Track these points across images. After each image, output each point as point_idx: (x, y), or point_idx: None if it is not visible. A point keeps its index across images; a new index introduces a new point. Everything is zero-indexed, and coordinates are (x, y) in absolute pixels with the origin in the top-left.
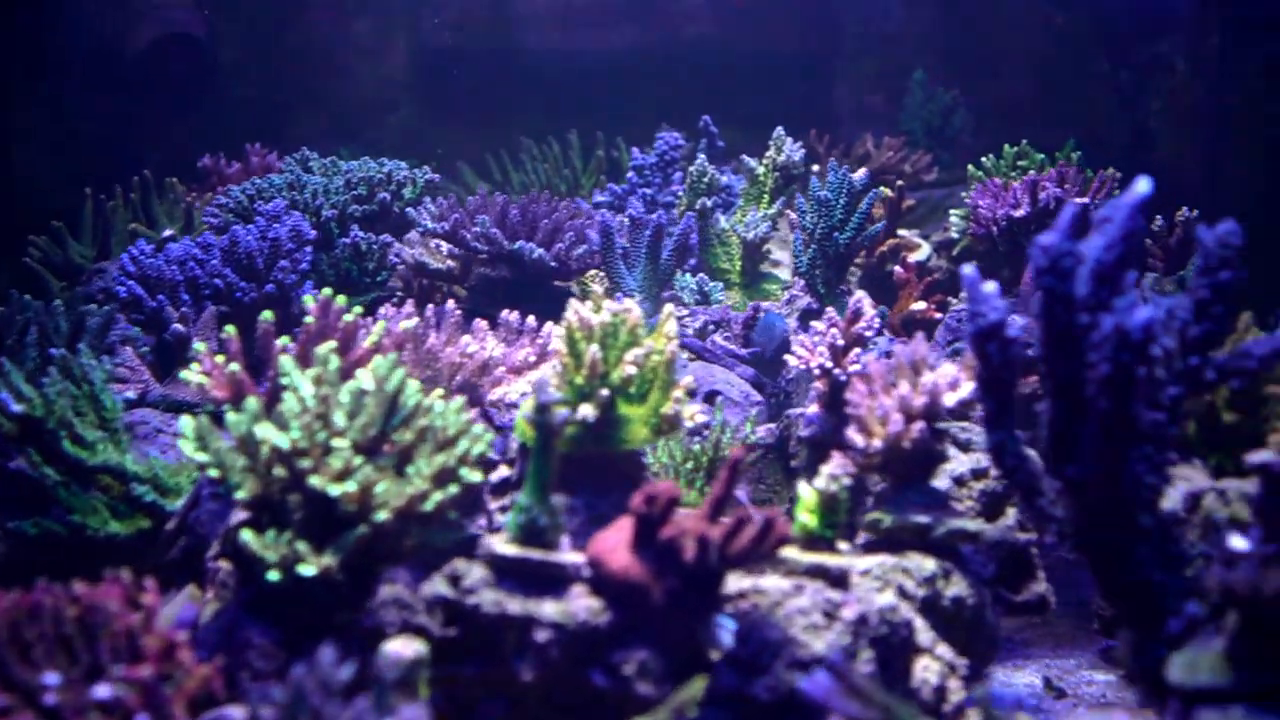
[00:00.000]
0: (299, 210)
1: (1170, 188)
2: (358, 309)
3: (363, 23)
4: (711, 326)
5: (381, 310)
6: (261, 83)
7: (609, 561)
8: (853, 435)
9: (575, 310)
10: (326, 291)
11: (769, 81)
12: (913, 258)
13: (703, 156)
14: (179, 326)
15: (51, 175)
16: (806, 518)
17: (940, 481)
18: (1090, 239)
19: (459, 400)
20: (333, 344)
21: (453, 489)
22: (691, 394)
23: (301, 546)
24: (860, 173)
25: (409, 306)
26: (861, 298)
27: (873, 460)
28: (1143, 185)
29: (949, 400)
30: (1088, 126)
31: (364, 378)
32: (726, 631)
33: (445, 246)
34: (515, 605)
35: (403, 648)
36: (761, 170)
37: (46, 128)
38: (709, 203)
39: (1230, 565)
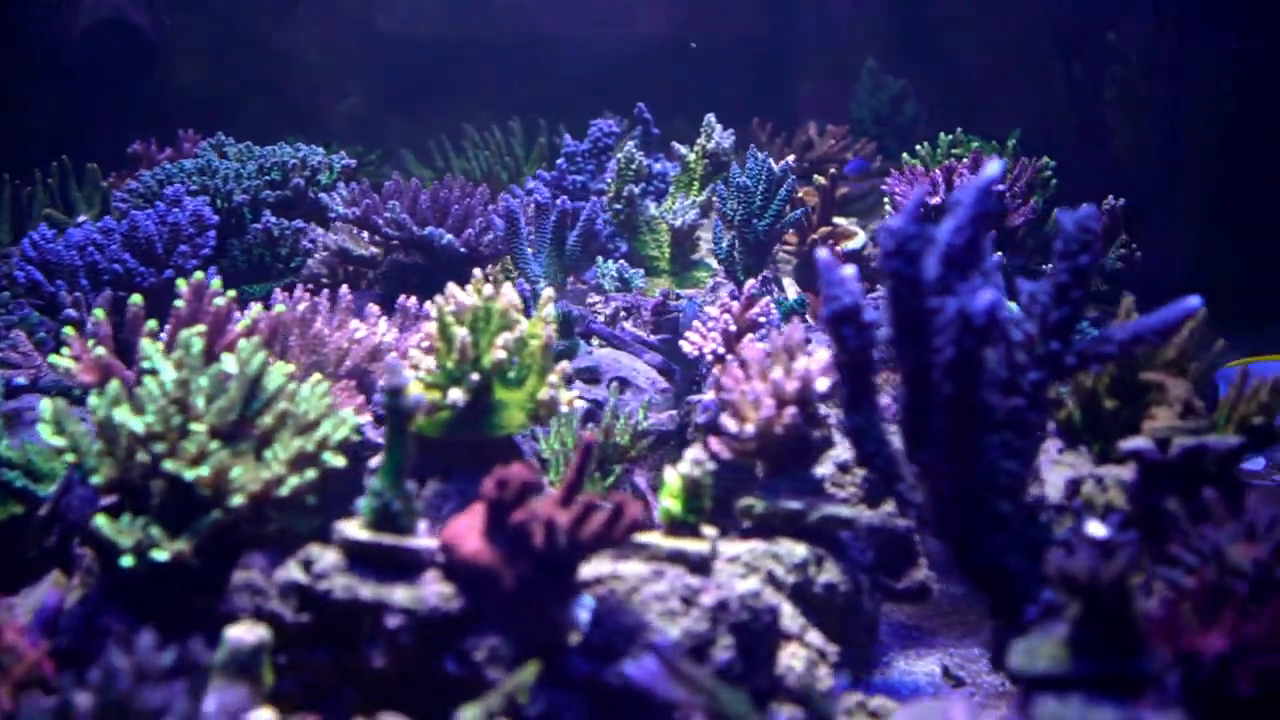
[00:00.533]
0: (209, 196)
1: (1125, 180)
2: (231, 294)
3: (313, 8)
4: (623, 313)
5: (276, 294)
6: (211, 70)
7: (460, 546)
8: (726, 421)
9: (451, 293)
10: (198, 276)
11: (724, 70)
12: (848, 246)
13: (631, 143)
14: (71, 311)
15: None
16: (670, 503)
17: (824, 468)
18: (942, 222)
19: (324, 385)
20: (201, 328)
21: (310, 474)
22: (570, 379)
23: (155, 531)
24: (994, 169)
25: (299, 291)
26: (755, 284)
27: (747, 446)
28: (992, 168)
29: (821, 385)
30: (1041, 117)
31: (228, 362)
32: (584, 617)
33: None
34: (367, 591)
35: (245, 633)
36: (692, 157)
37: None
38: (636, 189)
39: (1072, 553)
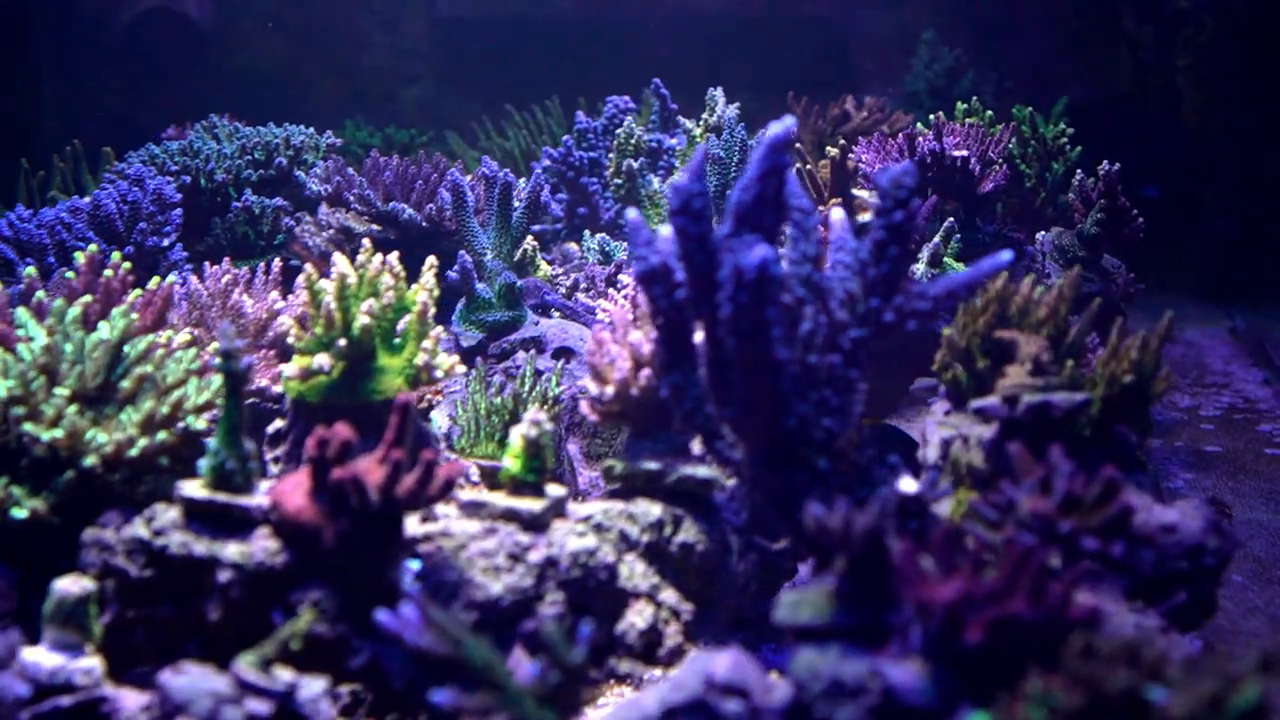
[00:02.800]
0: (191, 175)
1: (1196, 148)
2: (126, 265)
3: None
4: (583, 284)
5: (208, 269)
6: (278, 55)
7: (285, 504)
8: (589, 383)
9: (337, 263)
10: (93, 248)
11: (784, 43)
12: (863, 218)
13: (630, 119)
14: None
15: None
16: (511, 463)
17: None
18: (739, 183)
19: (190, 351)
20: (87, 299)
21: (162, 436)
22: (448, 350)
23: (16, 491)
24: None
25: (226, 264)
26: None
27: (610, 408)
28: (775, 127)
29: None
30: (1110, 85)
31: (103, 329)
32: (409, 573)
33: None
34: (201, 547)
35: (70, 585)
36: (698, 132)
37: (51, 99)
38: (634, 164)
39: (829, 506)
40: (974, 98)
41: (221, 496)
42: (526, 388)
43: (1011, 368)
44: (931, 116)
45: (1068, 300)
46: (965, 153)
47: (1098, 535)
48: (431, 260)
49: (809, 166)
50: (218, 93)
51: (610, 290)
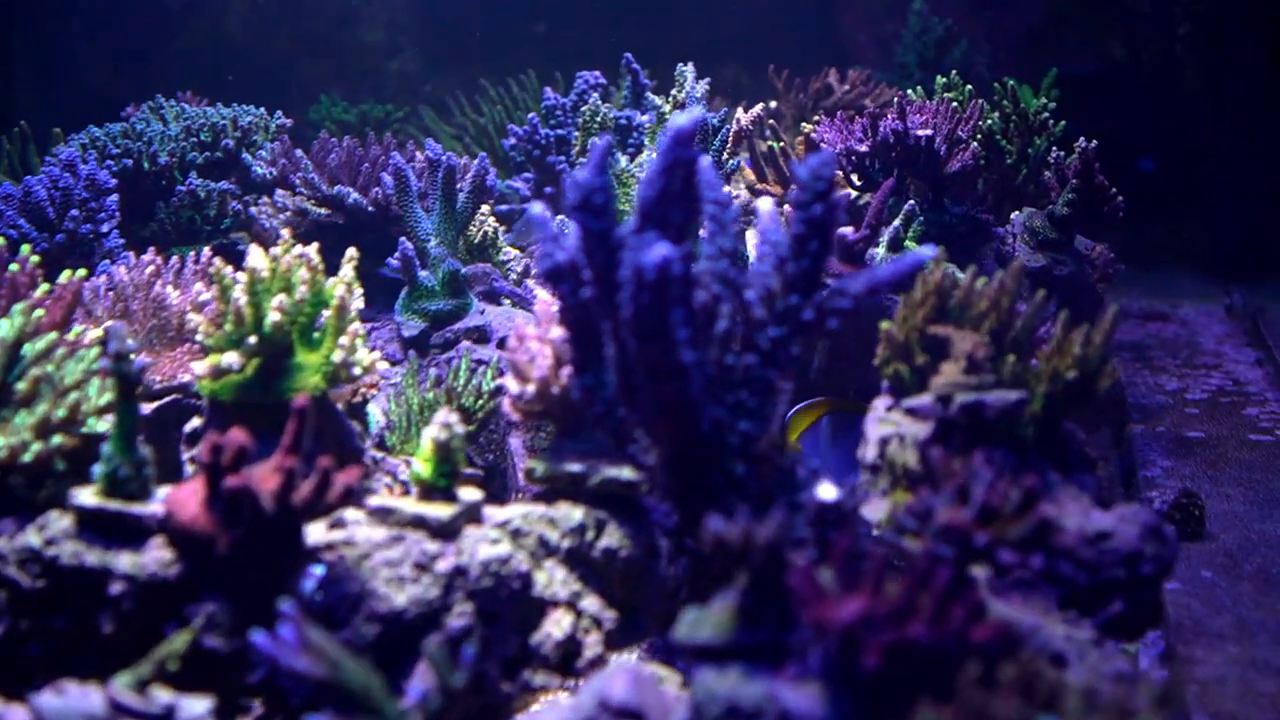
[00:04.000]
0: (132, 159)
1: (1195, 120)
2: (34, 259)
3: None
4: (534, 269)
5: (132, 259)
6: (256, 30)
7: (179, 513)
8: (509, 382)
9: (250, 256)
10: (25, 249)
11: (771, 12)
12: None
13: (595, 96)
14: None
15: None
16: (421, 467)
17: None
18: (642, 178)
19: (93, 351)
20: None
21: (59, 439)
22: (368, 343)
23: None
24: (742, 113)
25: (149, 255)
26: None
27: (532, 407)
28: (680, 118)
29: None
30: (1108, 56)
31: (1, 327)
32: (311, 583)
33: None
34: (93, 557)
35: None
36: (667, 109)
37: (28, 75)
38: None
39: (731, 518)
40: (953, 71)
41: (114, 505)
42: (461, 381)
43: (946, 365)
44: (910, 92)
45: (1010, 292)
46: (929, 131)
47: (1016, 548)
48: (351, 252)
49: (782, 144)
50: (195, 69)
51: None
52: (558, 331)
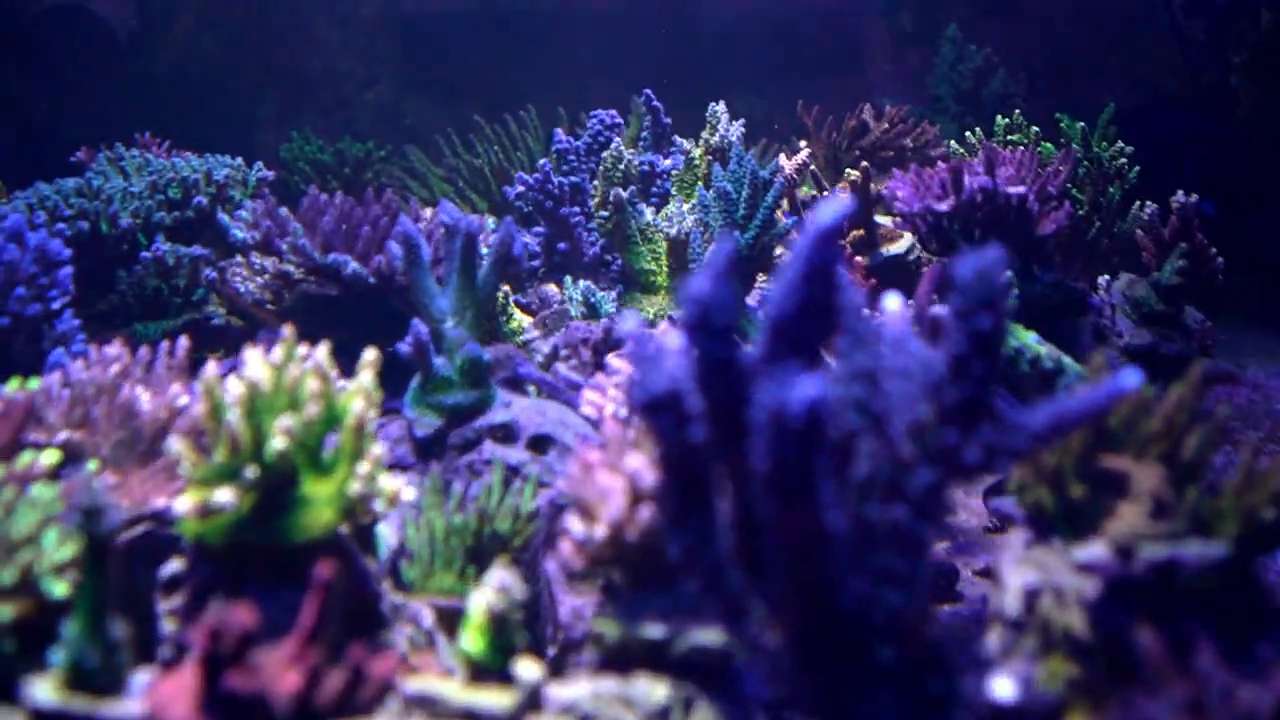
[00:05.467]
0: (89, 221)
1: (1251, 156)
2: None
3: None
4: (564, 351)
5: (93, 353)
6: (213, 58)
7: (165, 717)
8: (571, 522)
9: (247, 364)
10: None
11: (787, 39)
12: (891, 250)
13: (618, 140)
14: None
15: None
16: (470, 642)
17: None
18: (774, 282)
19: (50, 491)
20: None
21: (7, 611)
22: (394, 467)
23: None
24: (784, 160)
25: (115, 347)
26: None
27: (600, 554)
28: (825, 211)
29: None
30: (1154, 87)
31: None
32: None
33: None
34: None
35: None
36: (697, 154)
37: None
38: (624, 193)
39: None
40: (1017, 111)
41: (79, 705)
42: (494, 501)
43: (1125, 506)
44: (969, 134)
45: (1188, 408)
46: (1022, 189)
47: None
48: (369, 356)
49: (825, 191)
50: (146, 103)
51: (598, 375)
52: (635, 461)
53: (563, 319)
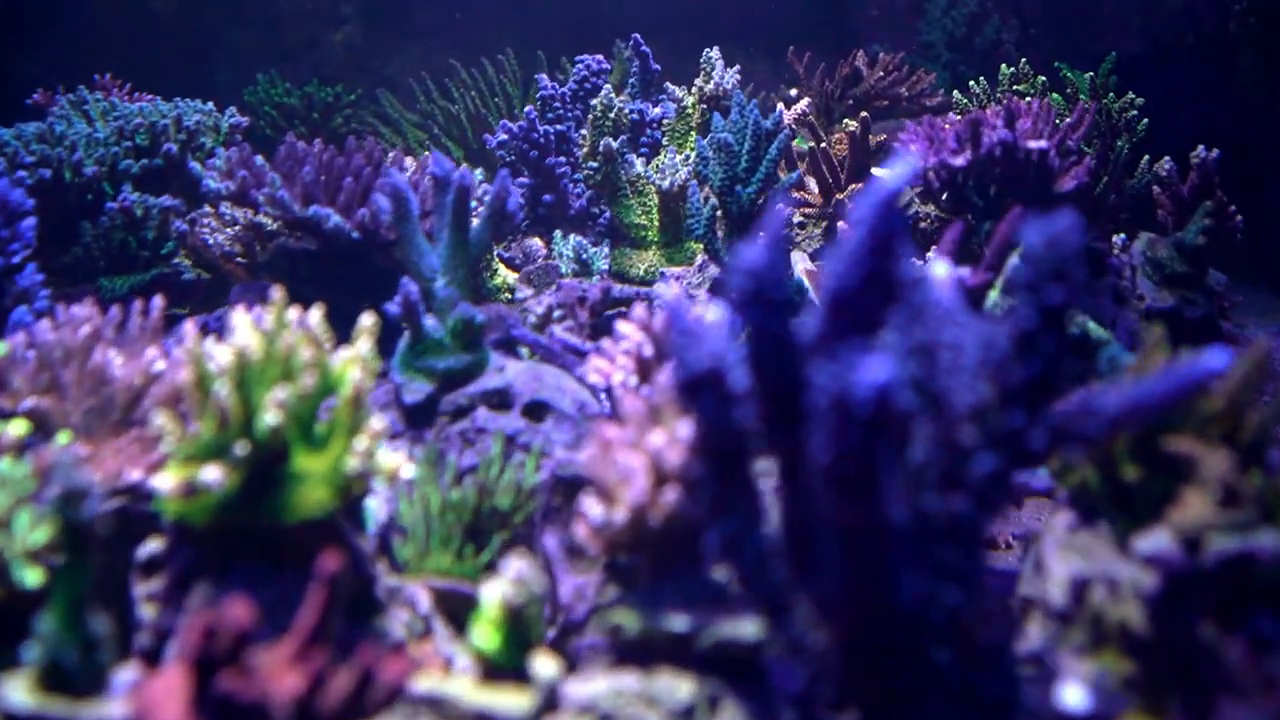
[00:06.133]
0: (51, 169)
1: (1251, 112)
2: None
3: None
4: (559, 312)
5: (61, 312)
6: None
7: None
8: (588, 504)
9: (236, 329)
10: None
11: None
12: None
13: (607, 87)
14: None
15: None
16: (484, 637)
17: None
18: (832, 254)
19: (21, 469)
20: None
21: None
22: (385, 435)
23: None
24: (785, 110)
25: (85, 306)
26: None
27: (621, 538)
28: (885, 175)
29: None
30: (1153, 36)
31: None
32: None
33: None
34: None
35: None
36: (690, 102)
37: None
38: (614, 143)
39: None
40: (1023, 60)
41: (58, 708)
42: (494, 474)
43: (1191, 493)
44: (973, 84)
45: (1255, 385)
46: (1044, 144)
47: None
48: (366, 321)
49: (822, 144)
50: (105, 44)
51: (605, 342)
52: (658, 438)
53: (550, 275)
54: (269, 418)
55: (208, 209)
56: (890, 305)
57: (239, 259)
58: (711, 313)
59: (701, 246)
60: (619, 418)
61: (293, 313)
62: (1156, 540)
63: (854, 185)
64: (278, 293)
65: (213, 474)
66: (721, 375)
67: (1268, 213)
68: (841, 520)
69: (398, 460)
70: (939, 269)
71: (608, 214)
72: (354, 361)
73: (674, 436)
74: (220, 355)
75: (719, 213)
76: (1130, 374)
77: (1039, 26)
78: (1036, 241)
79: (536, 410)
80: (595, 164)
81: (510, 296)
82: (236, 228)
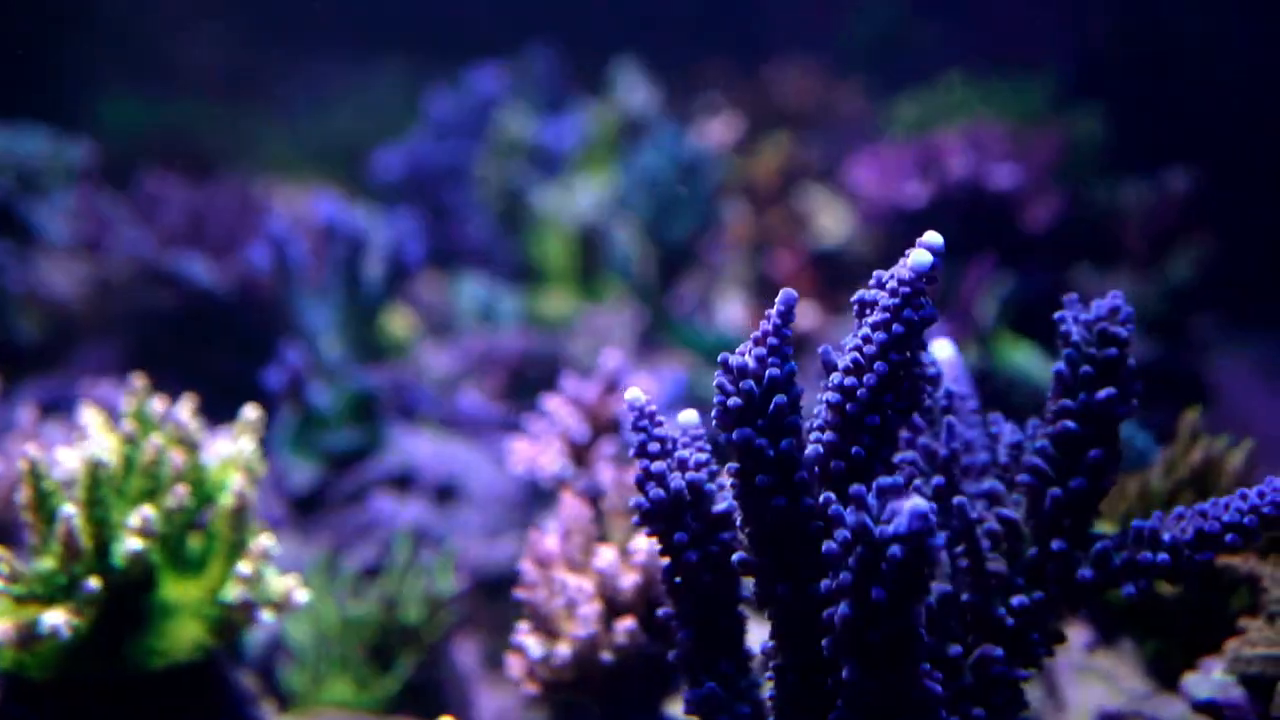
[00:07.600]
0: None
1: (1219, 121)
2: None
3: None
4: (464, 372)
5: None
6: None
7: None
8: (524, 638)
9: (88, 431)
10: None
11: None
12: (822, 245)
13: (509, 106)
14: None
15: None
16: None
17: None
18: (845, 344)
19: None
20: None
21: None
22: (268, 555)
23: None
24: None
25: None
26: (618, 357)
27: (561, 676)
28: (918, 255)
29: None
30: (1100, 37)
31: None
32: None
33: None
34: None
35: None
36: (604, 121)
37: None
38: (518, 172)
39: None
40: (958, 80)
41: None
42: (399, 583)
43: (1252, 621)
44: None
45: None
46: (1012, 179)
47: None
48: (250, 415)
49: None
50: None
51: (530, 418)
52: (607, 555)
53: (451, 324)
54: (129, 544)
55: (49, 262)
56: (913, 408)
57: (87, 318)
58: (687, 415)
59: (621, 280)
60: (558, 525)
61: (157, 404)
62: (1215, 682)
63: (776, 213)
64: (138, 381)
65: (56, 618)
66: (701, 497)
67: (1226, 239)
68: (866, 695)
69: (288, 584)
70: (942, 350)
71: (509, 250)
72: (235, 464)
73: (627, 554)
74: (67, 462)
75: (647, 250)
76: (1165, 471)
77: (972, 29)
78: (1076, 331)
79: (446, 494)
80: (494, 194)
81: (407, 354)
82: (86, 282)
